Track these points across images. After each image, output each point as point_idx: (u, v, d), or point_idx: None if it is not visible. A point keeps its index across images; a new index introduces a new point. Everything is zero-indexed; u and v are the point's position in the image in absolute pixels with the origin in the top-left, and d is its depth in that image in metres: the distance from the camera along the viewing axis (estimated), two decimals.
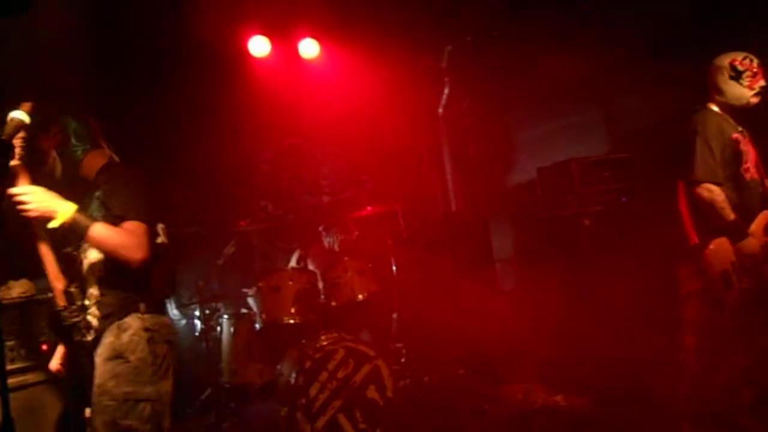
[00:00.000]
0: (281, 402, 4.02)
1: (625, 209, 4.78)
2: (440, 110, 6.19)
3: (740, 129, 3.29)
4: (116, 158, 2.62)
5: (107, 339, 2.36)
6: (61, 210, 2.27)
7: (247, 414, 4.39)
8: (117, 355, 2.32)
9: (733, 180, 3.24)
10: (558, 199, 4.88)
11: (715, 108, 3.30)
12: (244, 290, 4.83)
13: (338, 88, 5.66)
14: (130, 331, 2.35)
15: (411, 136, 6.07)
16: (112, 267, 2.37)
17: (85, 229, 2.28)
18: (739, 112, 3.29)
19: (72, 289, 2.38)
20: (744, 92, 3.23)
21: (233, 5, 4.80)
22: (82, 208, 2.36)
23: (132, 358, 2.32)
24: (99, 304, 2.39)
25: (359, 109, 5.67)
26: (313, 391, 3.80)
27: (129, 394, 2.28)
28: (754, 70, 3.22)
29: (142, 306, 2.40)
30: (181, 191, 4.88)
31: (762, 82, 3.21)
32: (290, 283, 4.16)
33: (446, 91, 6.10)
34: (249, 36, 5.19)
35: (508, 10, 5.40)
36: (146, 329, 2.36)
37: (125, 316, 2.37)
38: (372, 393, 3.94)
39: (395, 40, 5.51)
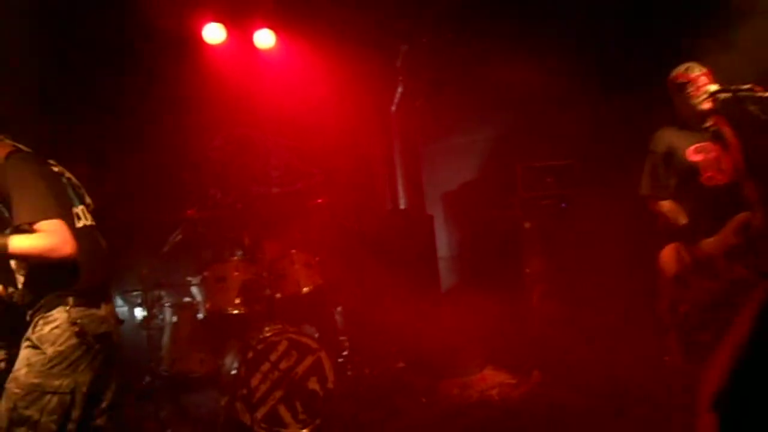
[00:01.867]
0: (222, 392, 4.04)
1: (564, 213, 5.01)
2: (393, 108, 6.28)
3: (706, 138, 3.40)
4: (19, 145, 2.44)
5: (29, 331, 2.35)
6: None
7: (186, 403, 4.38)
8: (34, 345, 2.32)
9: (694, 190, 3.42)
10: (502, 201, 5.06)
11: (672, 127, 3.48)
12: (189, 279, 4.80)
13: (292, 80, 5.65)
14: (54, 324, 2.33)
15: (363, 132, 6.14)
16: (35, 267, 2.35)
17: (2, 247, 2.20)
18: (697, 122, 3.42)
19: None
20: (690, 103, 3.37)
21: None
22: None
23: (49, 350, 2.30)
24: (28, 300, 2.38)
25: (312, 102, 5.68)
26: (254, 382, 3.83)
27: (36, 386, 2.27)
28: (693, 77, 3.35)
29: (70, 299, 2.36)
30: (129, 178, 4.80)
31: (708, 87, 3.30)
32: (236, 273, 4.18)
33: (399, 89, 6.19)
34: (204, 23, 5.13)
35: (465, 14, 5.53)
36: (73, 323, 2.33)
37: (52, 309, 2.35)
38: (313, 384, 4.01)
39: (352, 36, 5.56)
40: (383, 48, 6.01)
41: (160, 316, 4.57)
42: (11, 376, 2.30)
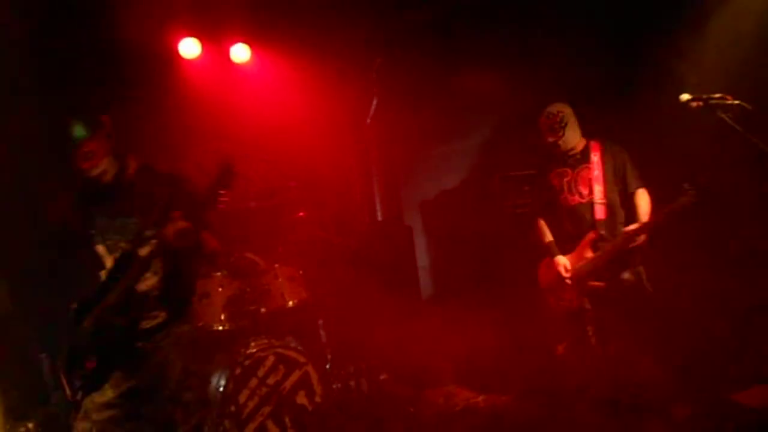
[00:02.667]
0: (209, 409, 3.98)
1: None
2: (368, 120, 6.32)
3: (567, 164, 3.99)
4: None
5: (181, 328, 2.89)
6: None
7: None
8: (194, 341, 2.98)
9: (555, 210, 4.03)
10: (480, 210, 5.13)
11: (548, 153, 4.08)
12: None
13: (268, 94, 5.66)
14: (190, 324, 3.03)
15: (339, 145, 6.15)
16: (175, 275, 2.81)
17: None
18: (557, 152, 4.01)
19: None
20: (545, 138, 4.00)
21: (165, 6, 4.72)
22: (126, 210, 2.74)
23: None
24: (165, 302, 2.82)
25: (288, 115, 5.69)
26: (242, 398, 3.81)
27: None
28: (543, 120, 3.99)
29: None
30: None
31: (547, 138, 3.97)
32: (220, 289, 4.14)
33: (375, 101, 6.24)
34: (179, 38, 5.10)
35: (439, 26, 5.63)
36: None
37: (187, 310, 2.98)
38: (301, 399, 4.00)
39: (326, 50, 5.59)
40: (358, 60, 6.06)
41: None
42: (189, 370, 2.88)
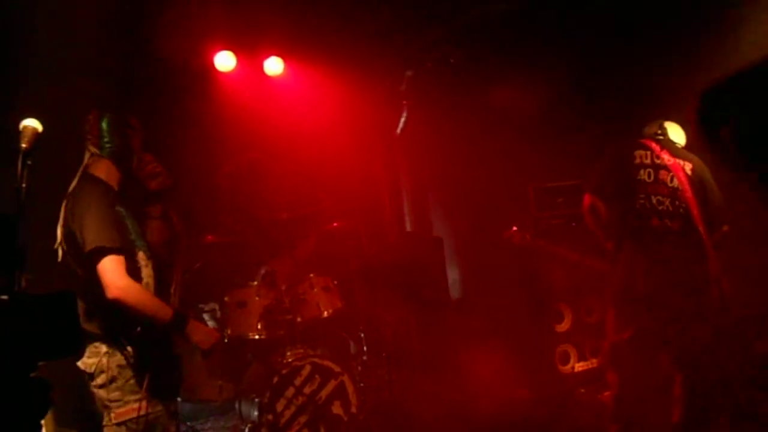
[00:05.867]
0: (244, 419, 3.99)
1: (574, 233, 5.06)
2: (398, 132, 6.34)
3: None
4: None
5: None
6: None
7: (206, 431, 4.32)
8: None
9: None
10: (514, 221, 5.10)
11: None
12: (201, 306, 4.76)
13: (300, 106, 5.73)
14: None
15: (369, 157, 6.19)
16: None
17: None
18: None
19: None
20: None
21: (202, 20, 4.82)
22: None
23: None
24: None
25: (319, 127, 5.74)
26: (279, 407, 3.81)
27: None
28: None
29: None
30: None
31: None
32: (256, 298, 4.17)
33: (404, 114, 6.27)
34: (215, 51, 5.20)
35: (468, 39, 5.66)
36: None
37: None
38: (337, 409, 3.99)
39: (358, 62, 5.65)
40: (388, 73, 6.10)
41: None
42: None
